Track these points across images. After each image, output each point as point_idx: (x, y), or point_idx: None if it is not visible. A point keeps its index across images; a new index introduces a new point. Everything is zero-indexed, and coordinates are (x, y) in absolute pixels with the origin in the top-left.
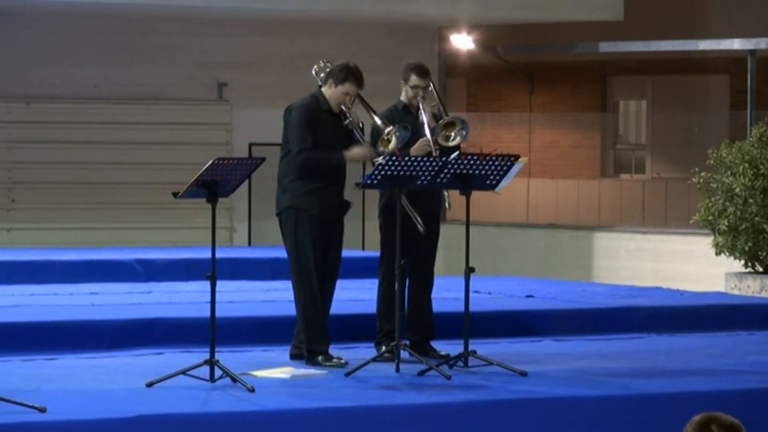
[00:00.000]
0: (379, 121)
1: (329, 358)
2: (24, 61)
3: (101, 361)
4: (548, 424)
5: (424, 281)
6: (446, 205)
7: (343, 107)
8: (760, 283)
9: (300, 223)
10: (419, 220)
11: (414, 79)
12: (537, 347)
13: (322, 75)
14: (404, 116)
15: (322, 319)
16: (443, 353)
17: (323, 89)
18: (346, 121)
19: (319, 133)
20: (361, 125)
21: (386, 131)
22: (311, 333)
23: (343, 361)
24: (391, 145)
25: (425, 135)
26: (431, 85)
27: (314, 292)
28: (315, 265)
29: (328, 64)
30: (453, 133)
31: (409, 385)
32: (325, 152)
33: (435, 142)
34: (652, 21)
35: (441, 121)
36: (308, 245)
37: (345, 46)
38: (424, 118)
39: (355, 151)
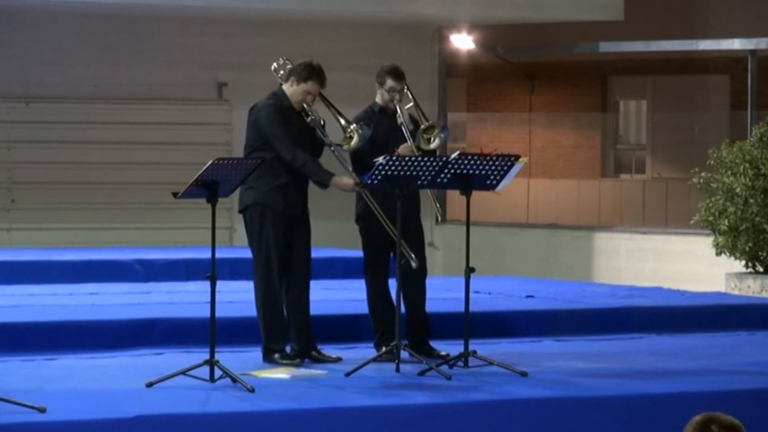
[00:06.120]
0: (342, 120)
1: (285, 356)
2: (24, 61)
3: (101, 361)
4: (548, 424)
5: (410, 281)
6: (437, 213)
7: (305, 105)
8: (760, 283)
9: (265, 220)
10: (412, 255)
11: (390, 82)
12: (537, 347)
13: (281, 72)
14: (381, 119)
15: (281, 317)
16: (443, 353)
17: (284, 87)
18: (308, 119)
19: (287, 131)
20: (322, 123)
21: (349, 128)
22: (268, 330)
23: (301, 361)
24: (353, 143)
25: (404, 136)
26: (406, 87)
27: (275, 290)
28: (278, 263)
29: (288, 62)
30: (432, 137)
31: (409, 385)
32: (317, 166)
33: (418, 148)
34: (652, 21)
35: (421, 127)
36: (272, 243)
37: (345, 46)
38: (403, 120)
39: (345, 182)
